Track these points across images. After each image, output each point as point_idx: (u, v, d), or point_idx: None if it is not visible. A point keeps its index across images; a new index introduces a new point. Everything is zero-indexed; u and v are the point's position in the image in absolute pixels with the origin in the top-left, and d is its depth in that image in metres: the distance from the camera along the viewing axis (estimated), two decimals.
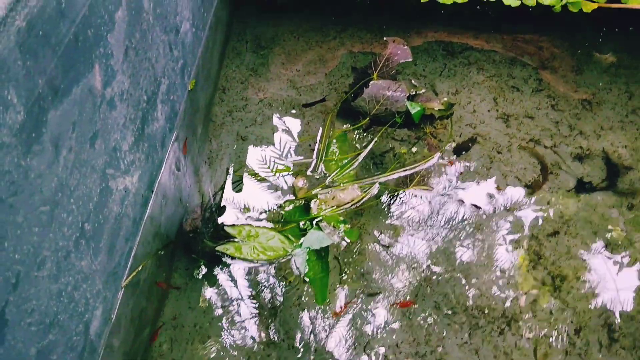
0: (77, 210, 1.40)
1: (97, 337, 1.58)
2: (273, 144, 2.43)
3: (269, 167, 2.23)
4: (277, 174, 2.22)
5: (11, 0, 1.04)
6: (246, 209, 2.13)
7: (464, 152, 2.38)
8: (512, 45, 2.82)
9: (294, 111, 2.57)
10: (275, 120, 2.53)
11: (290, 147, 2.41)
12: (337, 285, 2.02)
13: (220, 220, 2.14)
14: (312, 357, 1.88)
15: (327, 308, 1.97)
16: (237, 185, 2.24)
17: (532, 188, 2.28)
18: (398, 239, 2.14)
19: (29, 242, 1.19)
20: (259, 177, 2.21)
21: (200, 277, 2.02)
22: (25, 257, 1.18)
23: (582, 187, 2.28)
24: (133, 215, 1.79)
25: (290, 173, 2.28)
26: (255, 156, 2.37)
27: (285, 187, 2.24)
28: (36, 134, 1.18)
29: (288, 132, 2.47)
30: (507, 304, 1.99)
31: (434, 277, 2.06)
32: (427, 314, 1.98)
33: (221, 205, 2.16)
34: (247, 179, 2.26)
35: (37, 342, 1.25)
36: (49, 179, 1.25)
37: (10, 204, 1.11)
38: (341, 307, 1.90)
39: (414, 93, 2.45)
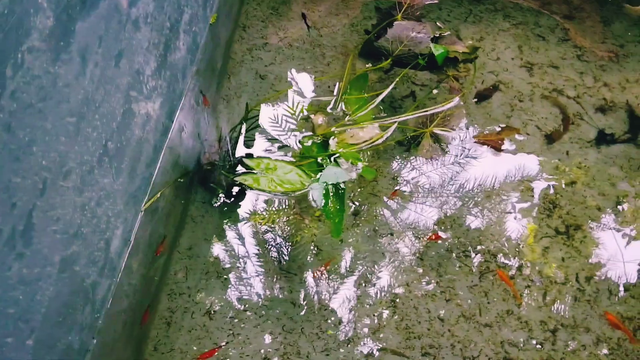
0: (102, 127, 1.41)
1: (117, 256, 1.61)
2: (292, 84, 2.41)
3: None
4: (299, 114, 2.22)
5: None
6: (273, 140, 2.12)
7: (485, 99, 2.35)
8: None
9: (314, 52, 2.54)
10: (295, 60, 2.51)
11: (309, 87, 2.40)
12: (351, 225, 2.04)
13: (237, 157, 2.15)
14: (324, 292, 1.91)
15: (341, 242, 1.99)
16: (249, 140, 2.23)
17: (552, 137, 2.26)
18: (414, 180, 2.15)
19: (56, 151, 1.20)
20: (270, 138, 2.20)
21: (217, 206, 2.05)
22: (52, 165, 1.19)
23: (604, 138, 2.26)
24: (154, 141, 1.80)
25: (310, 112, 2.27)
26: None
27: (295, 148, 2.22)
28: (64, 42, 1.18)
29: (308, 71, 2.45)
30: (519, 249, 2.01)
31: (447, 221, 2.07)
32: (439, 256, 2.00)
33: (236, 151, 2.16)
34: (258, 138, 2.24)
35: (62, 250, 1.28)
36: (76, 90, 1.26)
37: (40, 109, 1.12)
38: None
39: (438, 35, 2.40)
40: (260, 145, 2.21)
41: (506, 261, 1.98)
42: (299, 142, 2.12)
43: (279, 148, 2.16)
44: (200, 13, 2.16)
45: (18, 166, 1.07)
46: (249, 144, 2.19)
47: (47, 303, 1.23)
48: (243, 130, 2.18)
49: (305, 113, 2.25)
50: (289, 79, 2.43)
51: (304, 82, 2.42)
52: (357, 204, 2.08)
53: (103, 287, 1.53)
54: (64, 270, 1.29)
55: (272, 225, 2.02)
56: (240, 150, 2.19)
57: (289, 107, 2.26)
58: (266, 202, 2.07)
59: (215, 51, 2.40)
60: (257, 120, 2.25)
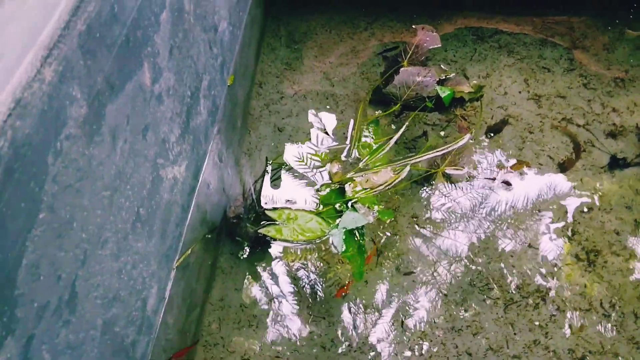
0: (133, 196, 1.54)
1: (154, 313, 1.72)
2: (309, 134, 2.54)
3: (305, 163, 2.32)
4: (314, 170, 2.34)
5: (73, 6, 1.18)
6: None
7: (496, 134, 2.43)
8: (543, 27, 2.84)
9: (328, 102, 2.67)
10: (310, 111, 2.64)
11: (325, 136, 2.51)
12: (374, 264, 2.11)
13: (261, 206, 2.26)
14: (352, 333, 1.98)
15: (366, 282, 2.06)
16: (275, 178, 2.35)
17: (564, 166, 2.31)
18: (431, 217, 2.22)
19: (94, 224, 1.33)
20: (296, 174, 2.32)
21: (244, 258, 2.15)
22: (90, 237, 1.32)
23: (616, 163, 2.30)
24: (182, 202, 1.93)
25: (325, 161, 2.38)
26: (291, 152, 2.46)
27: (321, 182, 2.33)
28: (97, 125, 1.32)
29: (322, 122, 2.57)
30: (542, 279, 2.04)
31: (467, 253, 2.12)
32: (462, 290, 2.05)
33: (261, 201, 2.29)
34: (284, 175, 2.36)
35: (103, 314, 1.39)
36: (109, 166, 1.39)
37: (77, 188, 1.25)
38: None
39: (443, 77, 2.51)
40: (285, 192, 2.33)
41: (530, 290, 2.02)
42: (316, 190, 2.23)
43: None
44: (218, 77, 2.32)
45: (61, 242, 1.20)
46: (275, 184, 2.32)
47: None
48: (263, 192, 2.30)
49: (319, 163, 2.37)
50: (304, 131, 2.56)
51: (318, 132, 2.54)
52: (378, 244, 2.16)
53: (142, 345, 1.64)
54: (105, 333, 1.40)
55: (299, 272, 2.11)
56: (267, 190, 2.30)
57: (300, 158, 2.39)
58: (290, 249, 2.17)
59: (235, 110, 2.55)
60: (279, 171, 2.37)
